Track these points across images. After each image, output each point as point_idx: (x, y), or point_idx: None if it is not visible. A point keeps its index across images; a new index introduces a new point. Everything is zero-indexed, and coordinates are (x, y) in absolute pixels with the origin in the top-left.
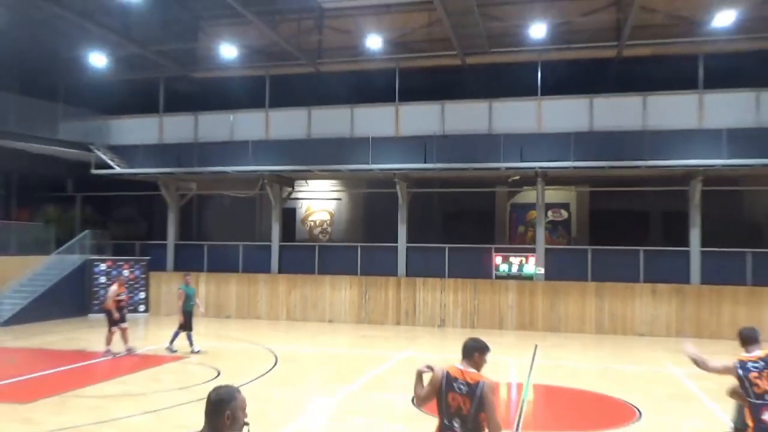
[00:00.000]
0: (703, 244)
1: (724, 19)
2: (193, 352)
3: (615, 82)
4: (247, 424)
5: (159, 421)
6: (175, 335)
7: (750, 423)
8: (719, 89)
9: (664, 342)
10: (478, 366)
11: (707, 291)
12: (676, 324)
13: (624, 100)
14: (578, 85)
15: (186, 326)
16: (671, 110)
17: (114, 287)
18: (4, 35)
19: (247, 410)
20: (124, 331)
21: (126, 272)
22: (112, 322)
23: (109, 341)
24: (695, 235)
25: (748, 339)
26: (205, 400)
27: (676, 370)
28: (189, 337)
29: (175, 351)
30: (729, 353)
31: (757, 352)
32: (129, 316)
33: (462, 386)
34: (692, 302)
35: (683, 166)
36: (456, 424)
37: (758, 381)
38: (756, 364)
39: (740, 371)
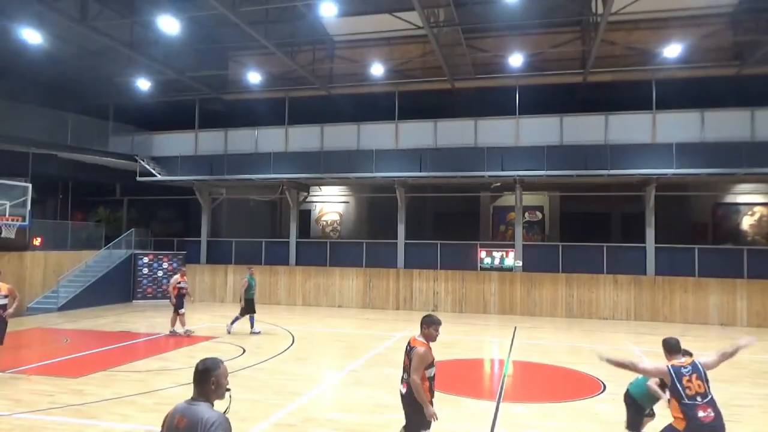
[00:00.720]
0: (657, 241)
1: (672, 51)
2: (252, 332)
3: (581, 104)
4: (228, 390)
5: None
6: (235, 319)
7: (683, 422)
8: (669, 110)
9: (625, 324)
10: (427, 336)
11: (661, 281)
12: (635, 309)
13: (589, 118)
14: (550, 106)
15: (248, 311)
16: (629, 127)
17: (176, 276)
18: (64, 63)
19: (242, 381)
20: (180, 316)
21: (166, 265)
22: (177, 306)
23: (183, 323)
24: (650, 233)
25: (674, 348)
26: (193, 371)
27: (635, 348)
28: (251, 319)
29: (230, 333)
30: (679, 334)
31: (683, 359)
32: (167, 302)
33: (408, 348)
34: (648, 291)
35: (639, 175)
36: (405, 376)
37: (689, 384)
38: (687, 369)
39: (673, 374)
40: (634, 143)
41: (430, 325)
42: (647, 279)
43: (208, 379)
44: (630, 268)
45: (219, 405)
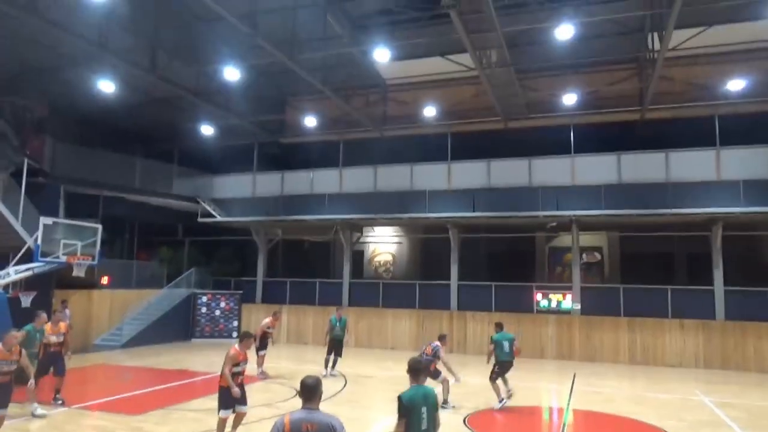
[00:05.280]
0: (726, 283)
1: (736, 85)
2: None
3: (639, 141)
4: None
5: None
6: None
7: None
8: (735, 146)
9: (694, 372)
10: (245, 346)
11: (731, 326)
12: (704, 356)
13: (648, 156)
14: (606, 144)
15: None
16: (691, 164)
17: (267, 320)
18: (133, 109)
19: None
20: (258, 358)
21: (223, 304)
22: (258, 348)
23: (259, 363)
24: (718, 275)
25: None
26: (300, 388)
27: (706, 399)
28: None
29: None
30: (755, 384)
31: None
32: (223, 341)
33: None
34: (718, 336)
35: (704, 213)
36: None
37: None
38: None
39: None
40: (698, 181)
41: (249, 339)
42: (717, 324)
43: (319, 389)
44: (697, 313)
45: None
